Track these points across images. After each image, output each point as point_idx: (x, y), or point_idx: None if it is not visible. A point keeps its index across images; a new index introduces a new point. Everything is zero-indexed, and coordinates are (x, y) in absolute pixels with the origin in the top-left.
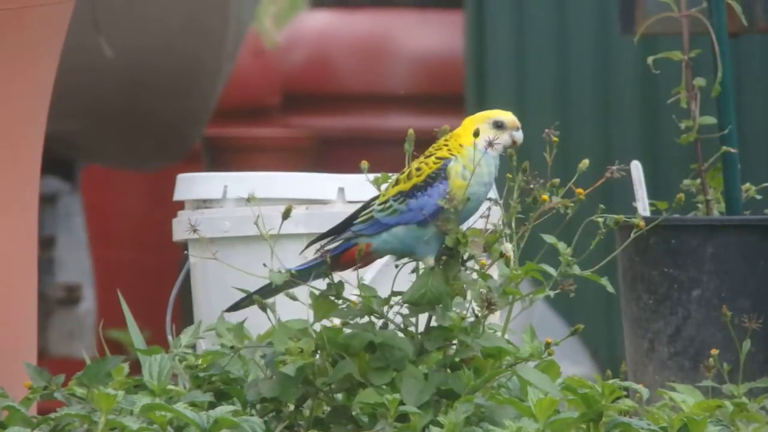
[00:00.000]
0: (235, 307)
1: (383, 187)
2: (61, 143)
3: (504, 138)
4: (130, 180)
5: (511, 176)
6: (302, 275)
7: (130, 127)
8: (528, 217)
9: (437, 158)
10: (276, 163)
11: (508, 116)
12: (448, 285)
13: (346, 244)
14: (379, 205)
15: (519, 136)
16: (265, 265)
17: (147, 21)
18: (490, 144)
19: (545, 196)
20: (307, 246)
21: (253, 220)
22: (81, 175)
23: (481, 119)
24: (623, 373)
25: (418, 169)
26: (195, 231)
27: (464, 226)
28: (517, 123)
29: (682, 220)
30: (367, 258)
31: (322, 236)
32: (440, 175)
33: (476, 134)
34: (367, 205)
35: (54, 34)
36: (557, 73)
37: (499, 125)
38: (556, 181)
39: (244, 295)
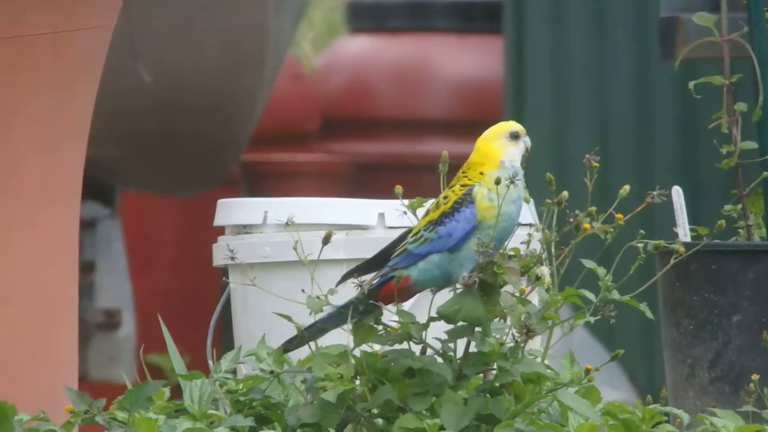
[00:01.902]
0: (288, 344)
1: (420, 212)
2: (99, 168)
3: (520, 148)
4: (170, 205)
5: (549, 202)
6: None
7: (168, 152)
8: (567, 243)
9: (461, 186)
10: (314, 189)
11: (516, 125)
12: (484, 307)
13: (384, 279)
14: (412, 237)
15: (528, 141)
16: (303, 291)
17: (185, 45)
18: (512, 181)
19: (587, 225)
20: (342, 279)
21: (293, 246)
22: (120, 201)
23: (496, 135)
24: (663, 398)
25: (445, 197)
26: (233, 258)
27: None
28: (524, 129)
29: (722, 245)
30: (407, 292)
31: (356, 269)
32: (466, 200)
33: (497, 182)
34: (402, 238)
35: (93, 58)
36: (596, 98)
37: (515, 136)
38: (593, 209)
39: (284, 320)
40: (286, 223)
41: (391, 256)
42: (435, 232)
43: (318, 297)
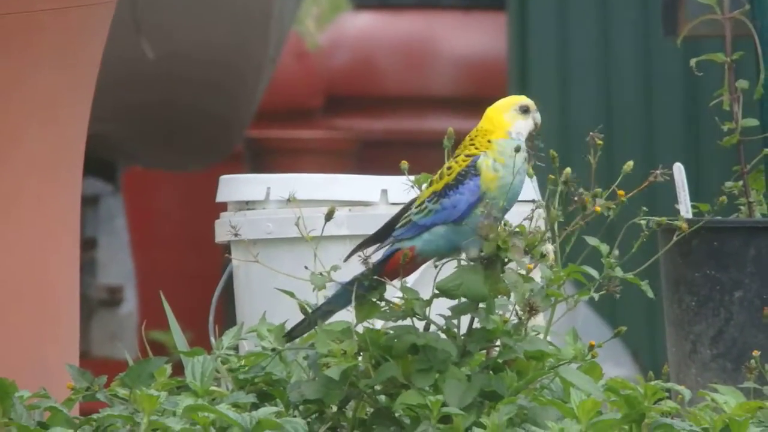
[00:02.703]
0: (293, 331)
1: (423, 188)
2: (103, 144)
3: (529, 123)
4: (173, 182)
5: (553, 177)
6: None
7: (172, 127)
8: (571, 220)
9: (466, 156)
10: (318, 165)
11: (527, 99)
12: (486, 284)
13: (389, 251)
14: (416, 208)
15: (539, 117)
16: (306, 267)
17: (189, 21)
18: (518, 149)
19: (598, 208)
20: (350, 255)
21: (295, 222)
22: (123, 177)
23: (507, 107)
24: (665, 375)
25: (449, 168)
26: (236, 234)
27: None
28: (535, 105)
29: (724, 222)
30: (413, 263)
31: (362, 244)
32: (470, 171)
33: (517, 150)
34: (405, 209)
35: (96, 34)
36: (600, 75)
37: (525, 109)
38: (599, 190)
39: (287, 296)
40: (288, 200)
41: (395, 227)
42: (439, 203)
43: (321, 273)
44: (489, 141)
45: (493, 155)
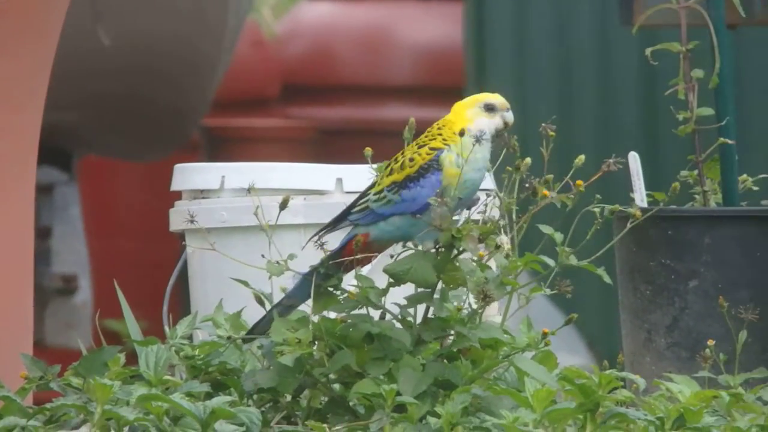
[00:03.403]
0: (255, 328)
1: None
2: (59, 133)
3: (495, 121)
4: (128, 170)
5: (510, 169)
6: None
7: (128, 117)
8: (526, 210)
9: (430, 149)
10: (275, 154)
11: (497, 98)
12: (437, 271)
13: (346, 238)
14: (375, 195)
15: (510, 116)
16: (263, 256)
17: (145, 9)
18: (478, 140)
19: (546, 192)
20: (308, 241)
21: (251, 211)
22: (79, 166)
23: (472, 103)
24: (620, 364)
25: (411, 160)
26: (192, 221)
27: (461, 216)
28: (507, 104)
29: (679, 211)
30: (367, 249)
31: (320, 231)
32: (432, 165)
33: (461, 134)
34: (363, 194)
35: (51, 18)
36: (557, 64)
37: (490, 108)
38: (550, 177)
39: (242, 285)
40: (248, 190)
41: (351, 210)
42: (399, 195)
43: (278, 262)
44: (455, 133)
45: (458, 150)
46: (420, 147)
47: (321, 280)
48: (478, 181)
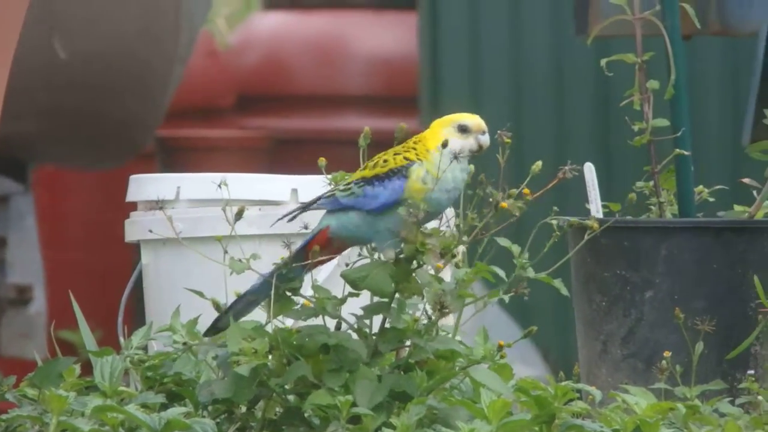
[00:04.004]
0: (212, 330)
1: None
2: (12, 144)
3: (469, 142)
4: (82, 181)
5: (467, 180)
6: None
7: (83, 128)
8: (481, 219)
9: (404, 158)
10: (230, 164)
11: (474, 119)
12: (394, 281)
13: (309, 237)
14: (344, 185)
15: (485, 140)
16: (226, 251)
17: (100, 23)
18: (455, 157)
19: (504, 204)
20: (277, 221)
21: (207, 221)
22: (33, 176)
23: (447, 122)
24: (576, 375)
25: (385, 161)
26: (150, 231)
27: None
28: (483, 127)
29: (635, 221)
30: (328, 245)
31: (296, 211)
32: (401, 172)
33: (444, 145)
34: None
35: (7, 29)
36: (511, 74)
37: (463, 129)
38: (513, 191)
39: (198, 296)
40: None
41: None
42: (362, 189)
43: (240, 260)
44: (428, 150)
45: (428, 167)
46: (396, 155)
47: (282, 282)
48: (444, 202)
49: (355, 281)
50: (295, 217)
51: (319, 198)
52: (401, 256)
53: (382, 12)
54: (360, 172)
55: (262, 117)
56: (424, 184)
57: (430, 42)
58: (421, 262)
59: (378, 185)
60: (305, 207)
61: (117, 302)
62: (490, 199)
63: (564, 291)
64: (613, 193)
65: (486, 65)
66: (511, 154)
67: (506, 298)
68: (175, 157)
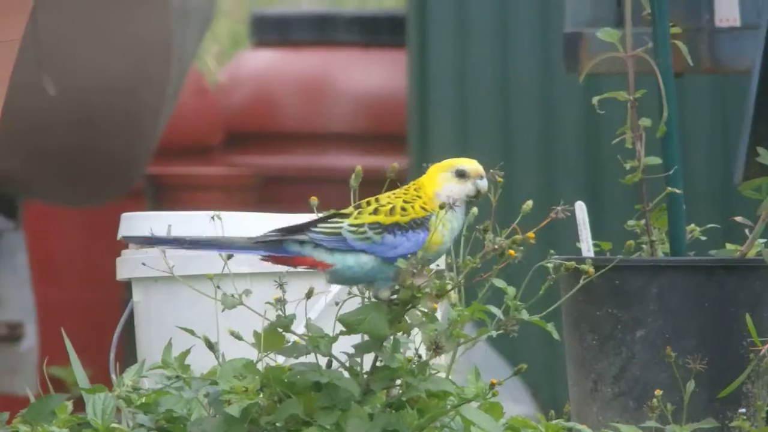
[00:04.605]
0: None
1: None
2: (3, 181)
3: (467, 188)
4: (73, 218)
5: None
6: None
7: (72, 165)
8: (479, 261)
9: (421, 208)
10: (219, 202)
11: (471, 164)
12: (391, 323)
13: (298, 252)
14: (351, 225)
15: (483, 184)
16: (219, 287)
17: (89, 60)
18: (450, 206)
19: (512, 252)
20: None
21: (198, 260)
22: (24, 213)
23: (445, 167)
24: (566, 413)
25: (403, 210)
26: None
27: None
28: (481, 171)
29: (626, 260)
30: (320, 273)
31: (270, 234)
32: (424, 224)
33: (442, 207)
34: (327, 218)
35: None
36: (500, 113)
37: (461, 174)
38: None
39: (188, 335)
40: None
41: (313, 228)
42: (382, 237)
43: (233, 295)
44: (431, 198)
45: (441, 219)
46: (407, 202)
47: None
48: (449, 246)
49: (353, 325)
50: (276, 240)
51: (306, 227)
52: (396, 297)
53: (371, 50)
54: (372, 215)
55: (250, 154)
56: (440, 234)
57: (418, 79)
58: (417, 305)
59: (400, 235)
60: (289, 232)
61: (107, 340)
62: (495, 246)
63: (556, 335)
64: (603, 232)
65: (475, 103)
66: (500, 193)
67: (494, 334)
68: (164, 195)
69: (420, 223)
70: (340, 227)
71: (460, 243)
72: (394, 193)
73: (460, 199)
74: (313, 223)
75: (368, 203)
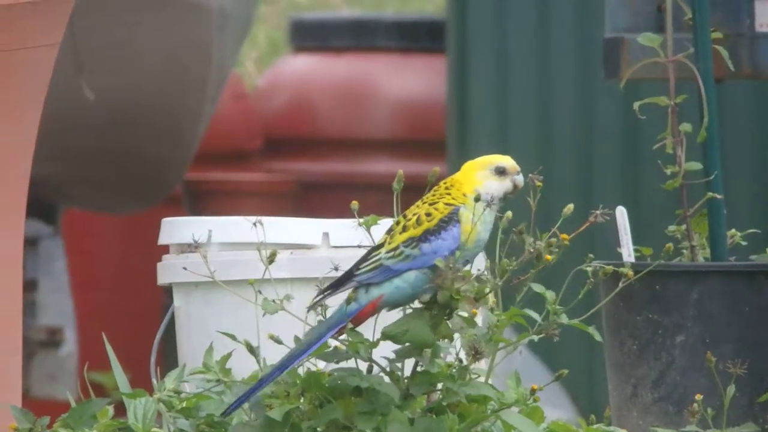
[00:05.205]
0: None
1: (376, 230)
2: (42, 186)
3: (506, 184)
4: (112, 223)
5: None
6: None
7: (111, 170)
8: (516, 265)
9: (446, 204)
10: (256, 208)
11: (507, 161)
12: (432, 331)
13: (358, 307)
14: (387, 252)
15: (520, 180)
16: (260, 292)
17: (129, 64)
18: (489, 204)
19: (549, 257)
20: (314, 303)
21: (239, 265)
22: (62, 219)
23: (482, 165)
24: (607, 418)
25: (428, 215)
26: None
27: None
28: (517, 167)
29: (666, 266)
30: (373, 313)
31: (321, 293)
32: (453, 218)
33: (477, 199)
34: (365, 257)
35: (39, 77)
36: (539, 118)
37: (501, 171)
38: (553, 241)
39: (229, 339)
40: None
41: (356, 272)
42: (419, 248)
43: (274, 300)
44: (464, 194)
45: (471, 210)
46: (431, 204)
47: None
48: (484, 242)
49: (397, 336)
50: (324, 297)
51: (350, 274)
52: (435, 301)
53: (410, 55)
54: (401, 234)
55: (288, 161)
56: (474, 226)
57: (457, 85)
58: (456, 308)
59: (434, 239)
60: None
61: (147, 345)
62: (531, 249)
63: (598, 337)
64: (643, 237)
65: (514, 108)
66: (539, 198)
67: (536, 338)
68: (201, 201)
69: (448, 220)
70: (379, 258)
71: (496, 246)
72: (421, 200)
73: (498, 196)
74: (355, 268)
75: (397, 223)
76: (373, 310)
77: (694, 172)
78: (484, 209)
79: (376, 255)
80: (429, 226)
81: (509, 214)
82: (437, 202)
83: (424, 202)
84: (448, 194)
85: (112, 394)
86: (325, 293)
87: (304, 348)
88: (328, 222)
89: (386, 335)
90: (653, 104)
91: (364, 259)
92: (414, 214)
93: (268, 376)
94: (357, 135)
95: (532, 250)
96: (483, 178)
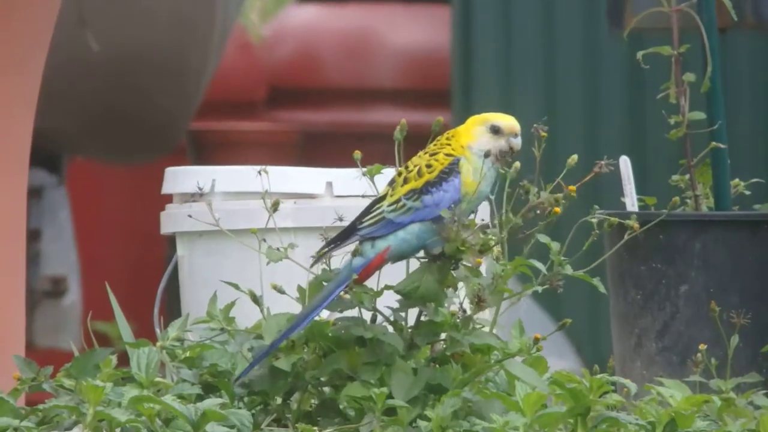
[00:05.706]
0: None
1: (379, 179)
2: (47, 137)
3: (500, 144)
4: (117, 174)
5: (503, 171)
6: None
7: (116, 121)
8: (521, 216)
9: (446, 155)
10: (261, 157)
11: (507, 121)
12: (441, 283)
13: (366, 261)
14: (390, 205)
15: (516, 142)
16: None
17: (132, 15)
18: (486, 155)
19: (557, 209)
20: (318, 258)
21: (243, 214)
22: (67, 169)
23: (481, 121)
24: (611, 368)
25: (428, 166)
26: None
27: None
28: (516, 129)
29: (670, 215)
30: (381, 266)
31: (325, 246)
32: (453, 170)
33: (487, 155)
34: (368, 210)
35: (42, 29)
36: (544, 68)
37: (496, 130)
38: (559, 196)
39: (232, 289)
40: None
41: (359, 225)
42: (420, 201)
43: (278, 249)
44: (462, 146)
45: (471, 162)
46: (432, 155)
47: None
48: (487, 193)
49: (409, 293)
50: (328, 251)
51: (354, 227)
52: (442, 252)
53: (414, 5)
54: (403, 186)
55: (293, 110)
56: (473, 178)
57: (462, 35)
58: (461, 259)
59: (436, 191)
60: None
61: (151, 295)
62: (538, 200)
63: (602, 289)
64: (648, 187)
65: (519, 58)
66: (544, 148)
67: (540, 289)
68: (206, 151)
69: (449, 171)
70: (382, 212)
71: (502, 199)
72: (423, 151)
73: (494, 153)
74: (358, 222)
75: (399, 174)
76: (381, 262)
77: (698, 122)
78: (483, 164)
79: (379, 208)
80: (430, 178)
81: (518, 164)
82: (438, 153)
83: (426, 153)
84: (449, 145)
85: (116, 344)
86: (330, 247)
87: (316, 304)
88: (331, 171)
89: (399, 293)
90: (657, 54)
91: (367, 211)
92: (415, 165)
93: (281, 337)
94: (361, 85)
95: (539, 202)
96: (478, 134)
